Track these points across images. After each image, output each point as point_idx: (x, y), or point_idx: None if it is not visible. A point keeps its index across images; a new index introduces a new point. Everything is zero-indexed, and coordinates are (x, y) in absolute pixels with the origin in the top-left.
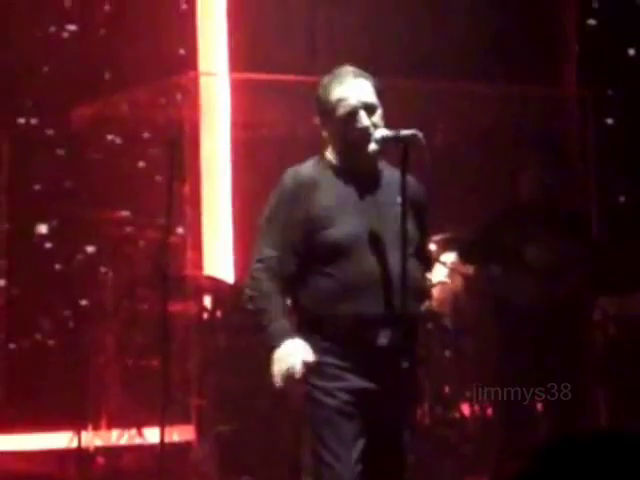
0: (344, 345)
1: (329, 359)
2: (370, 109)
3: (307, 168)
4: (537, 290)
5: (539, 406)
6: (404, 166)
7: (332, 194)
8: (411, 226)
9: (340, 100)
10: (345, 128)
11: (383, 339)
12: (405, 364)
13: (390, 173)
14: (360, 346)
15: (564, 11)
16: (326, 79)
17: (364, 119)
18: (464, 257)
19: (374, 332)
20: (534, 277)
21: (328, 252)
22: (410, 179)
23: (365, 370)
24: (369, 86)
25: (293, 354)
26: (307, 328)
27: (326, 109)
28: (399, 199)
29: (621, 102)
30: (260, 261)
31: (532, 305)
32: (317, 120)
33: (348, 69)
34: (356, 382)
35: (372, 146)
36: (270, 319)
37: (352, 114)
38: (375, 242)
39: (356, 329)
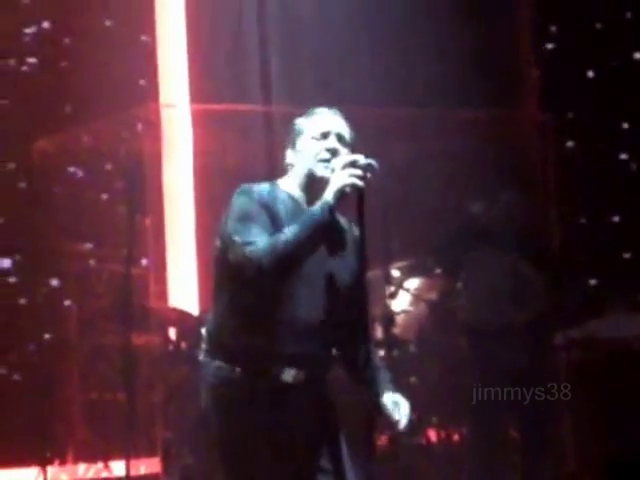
0: (250, 378)
1: (233, 391)
2: (343, 143)
3: (264, 189)
4: (499, 313)
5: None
6: (361, 208)
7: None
8: (346, 271)
9: (319, 122)
10: (313, 146)
11: (288, 376)
12: (309, 404)
13: (342, 221)
14: (265, 381)
15: (523, 35)
16: (311, 108)
17: (333, 142)
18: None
19: (280, 368)
20: (496, 300)
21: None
22: (347, 223)
23: (268, 405)
24: (348, 129)
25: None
26: (216, 356)
27: (300, 128)
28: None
29: (582, 125)
30: (248, 244)
31: (492, 327)
32: (286, 144)
33: (335, 110)
34: (258, 416)
35: (326, 172)
36: (286, 232)
37: (325, 135)
38: (305, 283)
39: (263, 363)
